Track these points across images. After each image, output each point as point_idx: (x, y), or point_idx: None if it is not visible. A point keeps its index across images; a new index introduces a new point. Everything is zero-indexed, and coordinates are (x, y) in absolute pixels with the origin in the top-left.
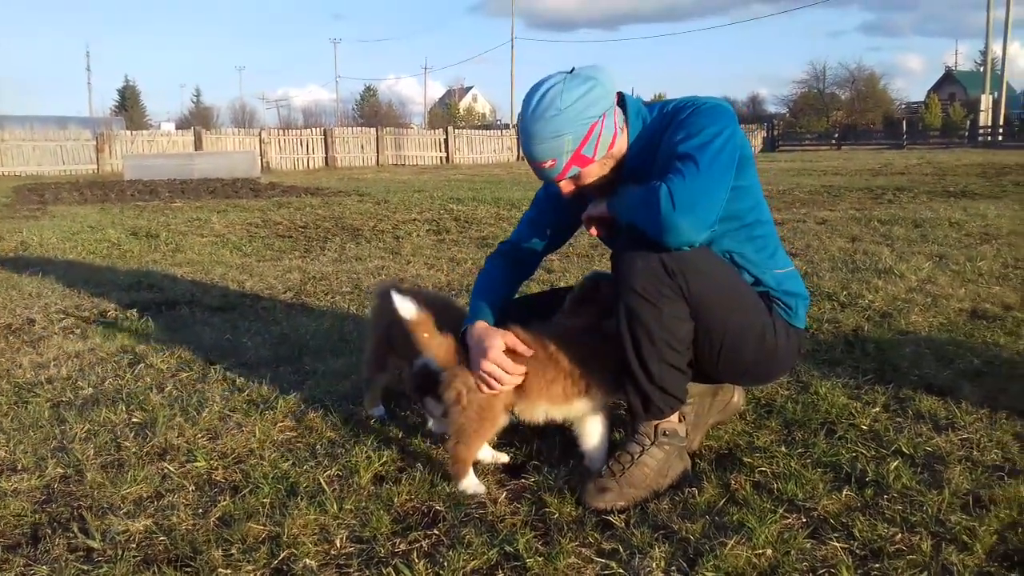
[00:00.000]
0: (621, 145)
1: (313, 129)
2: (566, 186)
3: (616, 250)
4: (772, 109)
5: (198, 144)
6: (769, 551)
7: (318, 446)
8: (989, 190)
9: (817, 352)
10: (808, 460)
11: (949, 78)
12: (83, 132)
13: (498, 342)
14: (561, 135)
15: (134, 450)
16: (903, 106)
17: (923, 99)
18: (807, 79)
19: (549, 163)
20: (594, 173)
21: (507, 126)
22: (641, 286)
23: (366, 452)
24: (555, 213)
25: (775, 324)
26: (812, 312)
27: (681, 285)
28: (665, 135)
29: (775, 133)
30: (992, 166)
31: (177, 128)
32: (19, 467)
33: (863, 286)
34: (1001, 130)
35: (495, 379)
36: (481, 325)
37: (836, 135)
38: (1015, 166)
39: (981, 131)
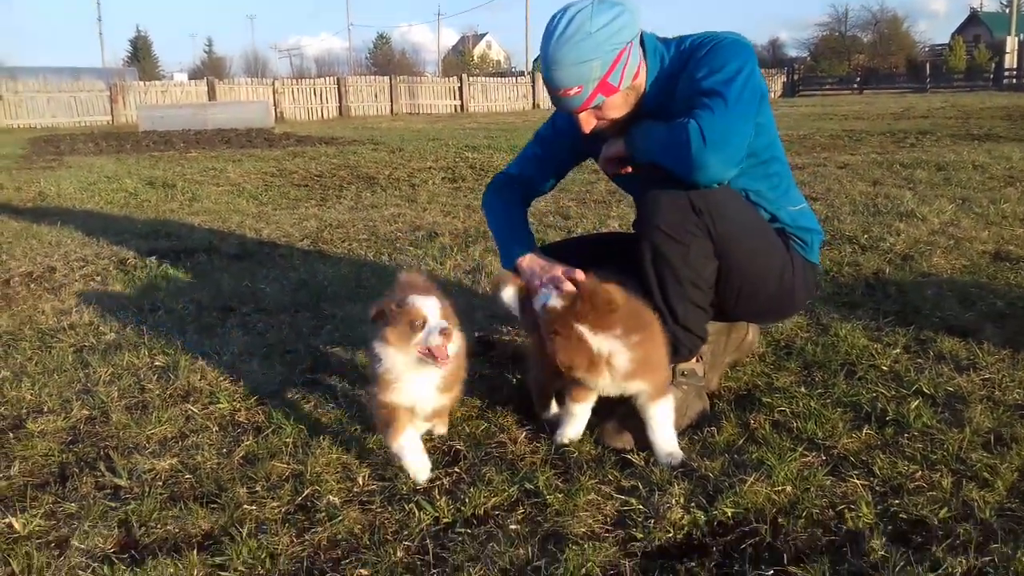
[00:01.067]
0: (643, 78)
1: (326, 78)
2: (586, 119)
3: (638, 190)
4: (793, 53)
5: (211, 94)
6: (788, 488)
7: (338, 388)
8: (1014, 133)
9: (837, 294)
10: (828, 400)
11: (974, 20)
12: (96, 83)
13: (560, 266)
14: (589, 60)
15: (157, 392)
16: (926, 48)
17: (947, 41)
18: (829, 22)
19: (575, 90)
20: (617, 105)
21: (522, 73)
22: (668, 224)
23: None
24: (562, 152)
25: (793, 261)
26: (833, 255)
27: (708, 224)
28: (684, 73)
29: (795, 77)
30: (1017, 109)
31: (190, 79)
32: (45, 409)
33: (884, 229)
34: None
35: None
36: (536, 256)
37: (858, 79)
38: None
39: (1007, 73)
